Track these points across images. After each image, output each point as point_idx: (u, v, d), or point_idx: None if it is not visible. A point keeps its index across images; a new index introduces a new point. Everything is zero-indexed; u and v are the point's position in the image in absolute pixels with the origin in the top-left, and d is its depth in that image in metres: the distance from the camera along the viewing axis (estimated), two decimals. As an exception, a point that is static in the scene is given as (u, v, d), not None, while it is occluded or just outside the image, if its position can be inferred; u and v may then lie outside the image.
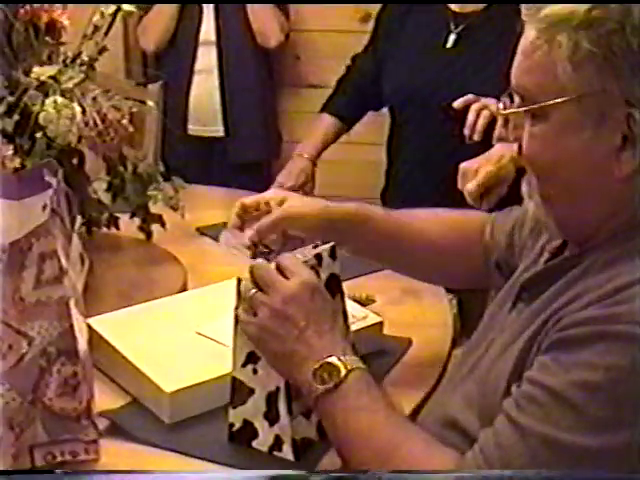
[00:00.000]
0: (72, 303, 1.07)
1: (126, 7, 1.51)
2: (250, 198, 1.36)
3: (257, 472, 1.07)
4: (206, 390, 1.22)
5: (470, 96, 1.79)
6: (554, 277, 1.00)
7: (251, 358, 1.12)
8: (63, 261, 1.06)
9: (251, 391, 1.13)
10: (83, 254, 1.19)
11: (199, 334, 1.34)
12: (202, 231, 1.98)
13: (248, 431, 1.14)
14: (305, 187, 2.26)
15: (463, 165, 1.73)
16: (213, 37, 2.87)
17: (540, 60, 0.93)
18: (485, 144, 1.70)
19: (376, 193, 2.39)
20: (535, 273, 1.06)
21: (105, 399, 1.22)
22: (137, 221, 1.80)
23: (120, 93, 1.57)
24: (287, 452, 1.12)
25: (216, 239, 1.58)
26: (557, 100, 0.92)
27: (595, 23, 0.88)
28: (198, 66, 2.88)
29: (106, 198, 1.71)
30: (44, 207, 1.04)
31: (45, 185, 1.06)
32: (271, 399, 1.11)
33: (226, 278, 1.58)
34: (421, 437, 0.99)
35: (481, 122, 1.76)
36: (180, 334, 1.34)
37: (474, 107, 1.77)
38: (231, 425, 1.16)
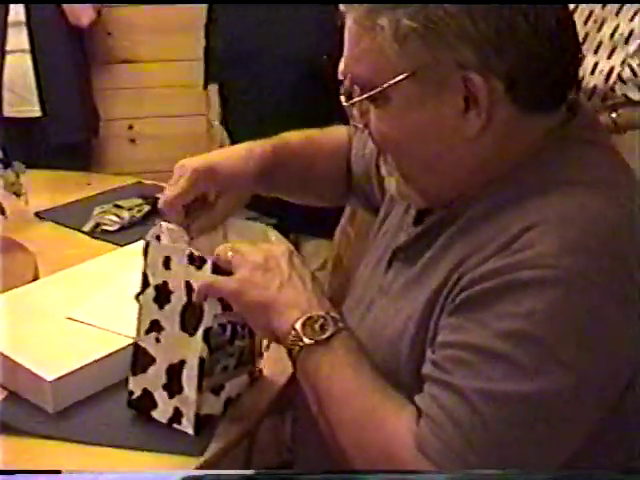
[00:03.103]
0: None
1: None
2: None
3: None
4: (87, 374, 1.20)
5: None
6: (431, 237, 1.01)
7: (155, 326, 1.11)
8: None
9: (152, 360, 1.12)
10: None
11: (70, 319, 1.32)
12: (41, 216, 1.92)
13: (147, 400, 1.14)
14: None
15: None
16: (23, 17, 2.75)
17: (368, 47, 0.93)
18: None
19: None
20: (410, 236, 1.06)
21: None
22: (-26, 211, 1.73)
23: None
24: (186, 426, 1.12)
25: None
26: (393, 81, 0.92)
27: None
28: (10, 47, 2.77)
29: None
30: None
31: None
32: (172, 371, 1.11)
33: (76, 262, 1.56)
34: (396, 401, 0.95)
35: None
36: (50, 321, 1.31)
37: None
38: (131, 392, 1.15)
